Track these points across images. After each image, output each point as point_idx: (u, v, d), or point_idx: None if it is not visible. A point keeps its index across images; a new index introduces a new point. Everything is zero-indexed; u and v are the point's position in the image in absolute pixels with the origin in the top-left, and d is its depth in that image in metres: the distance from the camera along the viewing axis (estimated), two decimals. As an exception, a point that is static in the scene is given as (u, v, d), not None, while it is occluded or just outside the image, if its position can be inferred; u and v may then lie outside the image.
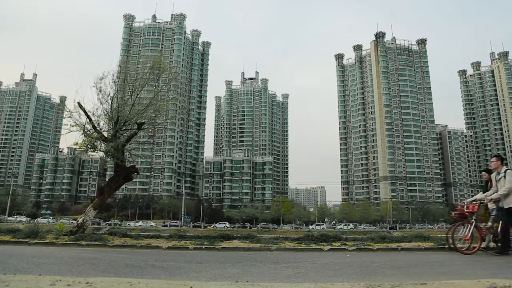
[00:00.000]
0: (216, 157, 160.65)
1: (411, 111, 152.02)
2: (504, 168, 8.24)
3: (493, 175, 8.42)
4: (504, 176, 8.07)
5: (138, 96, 14.01)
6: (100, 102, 13.49)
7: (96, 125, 13.46)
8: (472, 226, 8.05)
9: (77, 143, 13.82)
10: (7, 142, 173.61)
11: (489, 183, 9.01)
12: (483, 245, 8.36)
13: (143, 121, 14.00)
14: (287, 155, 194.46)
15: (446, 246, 9.03)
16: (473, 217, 8.21)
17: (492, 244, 8.42)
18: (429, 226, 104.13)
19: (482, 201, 8.37)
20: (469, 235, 8.02)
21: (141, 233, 13.83)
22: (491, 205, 8.44)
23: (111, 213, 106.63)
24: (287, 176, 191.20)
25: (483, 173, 9.50)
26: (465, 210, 8.70)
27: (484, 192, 8.97)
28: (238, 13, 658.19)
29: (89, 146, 13.62)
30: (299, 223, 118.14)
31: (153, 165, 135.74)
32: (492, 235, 8.30)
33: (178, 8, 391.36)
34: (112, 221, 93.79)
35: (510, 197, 7.91)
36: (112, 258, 7.01)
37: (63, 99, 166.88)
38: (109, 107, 13.58)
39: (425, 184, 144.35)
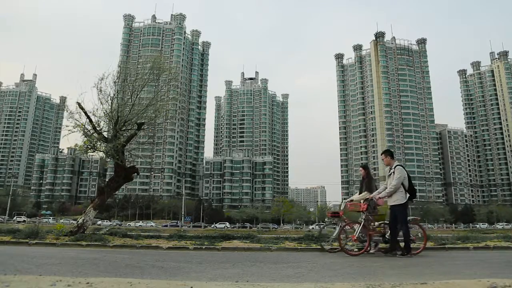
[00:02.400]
0: (216, 157, 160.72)
1: (411, 111, 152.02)
2: (395, 163, 7.89)
3: (386, 170, 8.13)
4: (394, 172, 7.72)
5: (138, 96, 14.00)
6: (101, 102, 13.48)
7: (96, 125, 13.45)
8: (361, 226, 7.75)
9: (76, 145, 13.83)
10: (7, 142, 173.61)
11: (364, 180, 8.74)
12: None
13: (143, 121, 14.00)
14: (287, 155, 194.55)
15: (319, 246, 8.86)
16: (363, 217, 7.86)
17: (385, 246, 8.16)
18: (429, 226, 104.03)
19: (371, 199, 8.00)
20: (356, 236, 7.72)
21: (141, 233, 13.82)
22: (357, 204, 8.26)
23: (111, 213, 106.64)
24: (287, 176, 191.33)
25: (360, 168, 9.12)
26: (340, 210, 8.57)
27: (360, 190, 8.70)
28: (238, 13, 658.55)
29: (89, 147, 13.63)
30: (299, 223, 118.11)
31: (153, 165, 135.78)
32: (381, 236, 8.03)
33: (178, 8, 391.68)
34: (113, 221, 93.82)
35: (396, 194, 7.59)
36: (112, 258, 7.02)
37: (63, 100, 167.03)
38: (109, 107, 13.58)
39: (425, 184, 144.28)
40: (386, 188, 7.81)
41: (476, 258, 7.62)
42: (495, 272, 5.27)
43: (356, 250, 7.92)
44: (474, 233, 17.41)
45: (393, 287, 3.63)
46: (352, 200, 8.65)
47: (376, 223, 8.03)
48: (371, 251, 7.93)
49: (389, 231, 7.86)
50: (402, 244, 7.72)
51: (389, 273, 5.53)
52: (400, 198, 7.57)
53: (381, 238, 8.08)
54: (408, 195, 7.65)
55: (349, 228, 8.12)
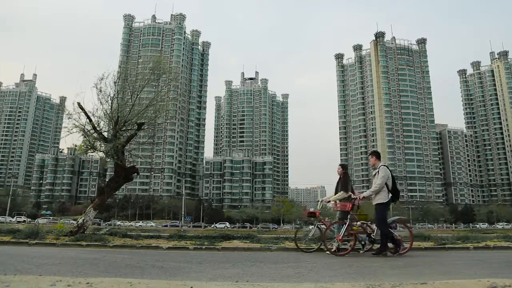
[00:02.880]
0: (216, 157, 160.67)
1: (411, 110, 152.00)
2: (380, 164, 7.94)
3: (373, 173, 8.17)
4: (378, 172, 7.77)
5: (138, 96, 14.00)
6: (100, 102, 13.48)
7: (96, 125, 13.44)
8: (346, 226, 7.70)
9: (75, 145, 13.83)
10: (7, 142, 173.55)
11: (341, 180, 8.73)
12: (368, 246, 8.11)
13: (143, 121, 13.99)
14: (287, 155, 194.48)
15: (294, 246, 8.86)
16: (348, 216, 7.84)
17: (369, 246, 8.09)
18: (429, 226, 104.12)
19: (354, 198, 8.00)
20: (341, 235, 7.63)
21: (141, 233, 13.82)
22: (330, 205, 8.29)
23: (111, 214, 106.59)
24: (287, 176, 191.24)
25: (338, 167, 9.04)
26: (317, 210, 8.64)
27: (336, 190, 8.68)
28: (238, 13, 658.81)
29: (89, 147, 13.62)
30: (299, 223, 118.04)
31: (153, 165, 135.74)
32: (367, 236, 7.98)
33: (178, 8, 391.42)
34: (113, 221, 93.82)
35: (380, 193, 7.62)
36: (112, 258, 7.02)
37: (63, 100, 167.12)
38: (109, 107, 13.57)
39: (425, 184, 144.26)
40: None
41: (476, 258, 7.62)
42: (495, 272, 5.26)
43: (339, 249, 7.84)
44: (474, 233, 17.41)
45: (393, 287, 3.63)
46: (329, 201, 8.68)
47: (358, 223, 8.04)
48: (360, 251, 7.96)
49: (373, 231, 7.87)
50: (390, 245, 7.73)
51: (389, 273, 5.53)
52: (382, 197, 7.63)
53: (367, 238, 8.06)
54: (390, 195, 7.70)
55: (324, 227, 8.10)
